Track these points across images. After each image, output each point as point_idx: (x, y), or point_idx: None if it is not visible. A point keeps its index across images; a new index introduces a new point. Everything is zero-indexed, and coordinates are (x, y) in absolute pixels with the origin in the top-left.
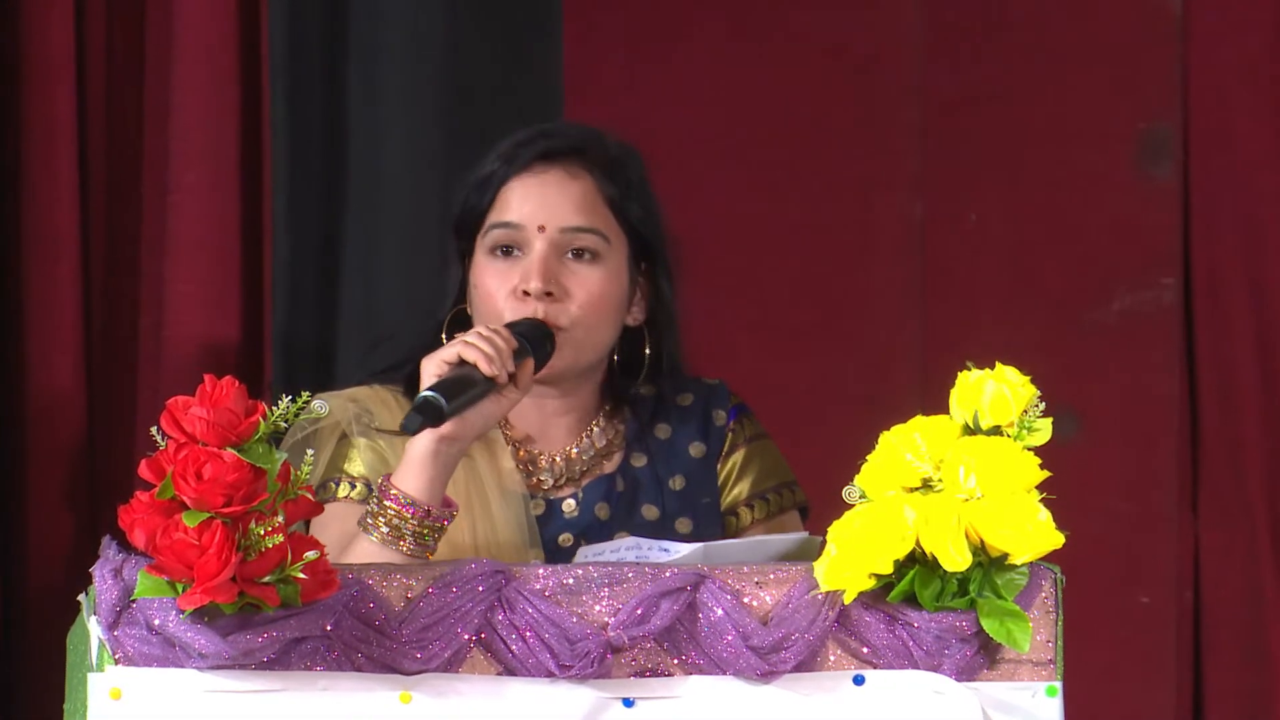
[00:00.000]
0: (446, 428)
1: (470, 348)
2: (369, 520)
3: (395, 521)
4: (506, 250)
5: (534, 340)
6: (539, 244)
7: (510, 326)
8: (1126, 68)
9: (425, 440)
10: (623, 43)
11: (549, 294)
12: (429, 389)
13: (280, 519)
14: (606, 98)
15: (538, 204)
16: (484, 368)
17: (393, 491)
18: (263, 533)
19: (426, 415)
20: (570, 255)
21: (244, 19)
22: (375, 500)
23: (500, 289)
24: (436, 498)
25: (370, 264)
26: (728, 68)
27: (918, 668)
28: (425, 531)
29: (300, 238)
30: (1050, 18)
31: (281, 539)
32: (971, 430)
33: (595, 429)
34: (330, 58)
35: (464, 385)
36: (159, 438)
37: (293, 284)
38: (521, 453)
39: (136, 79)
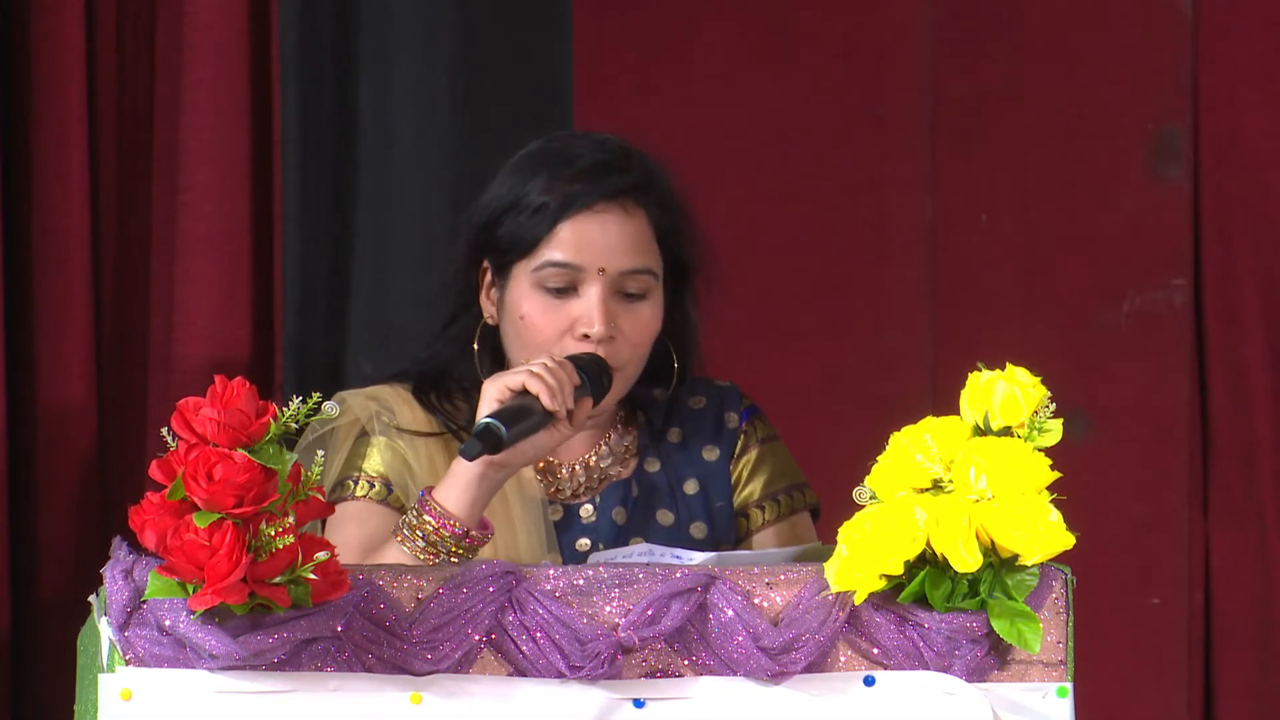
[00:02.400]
0: (499, 455)
1: (536, 379)
2: (405, 532)
3: (433, 538)
4: (560, 290)
5: (593, 377)
6: (596, 286)
7: (573, 360)
8: (1138, 68)
9: (475, 462)
10: (633, 44)
11: (611, 338)
12: (491, 416)
13: (291, 520)
14: (617, 99)
15: (596, 247)
16: (546, 401)
17: (434, 508)
18: (273, 533)
19: (486, 443)
20: (622, 295)
21: (255, 19)
22: (414, 513)
23: (552, 325)
24: (475, 519)
25: (381, 264)
26: (738, 68)
27: (928, 669)
28: (461, 551)
29: (311, 238)
30: (1061, 19)
31: (292, 540)
32: (982, 431)
33: (613, 436)
34: (341, 58)
35: (523, 415)
36: (169, 439)
37: (304, 284)
38: (541, 462)
39: (147, 79)
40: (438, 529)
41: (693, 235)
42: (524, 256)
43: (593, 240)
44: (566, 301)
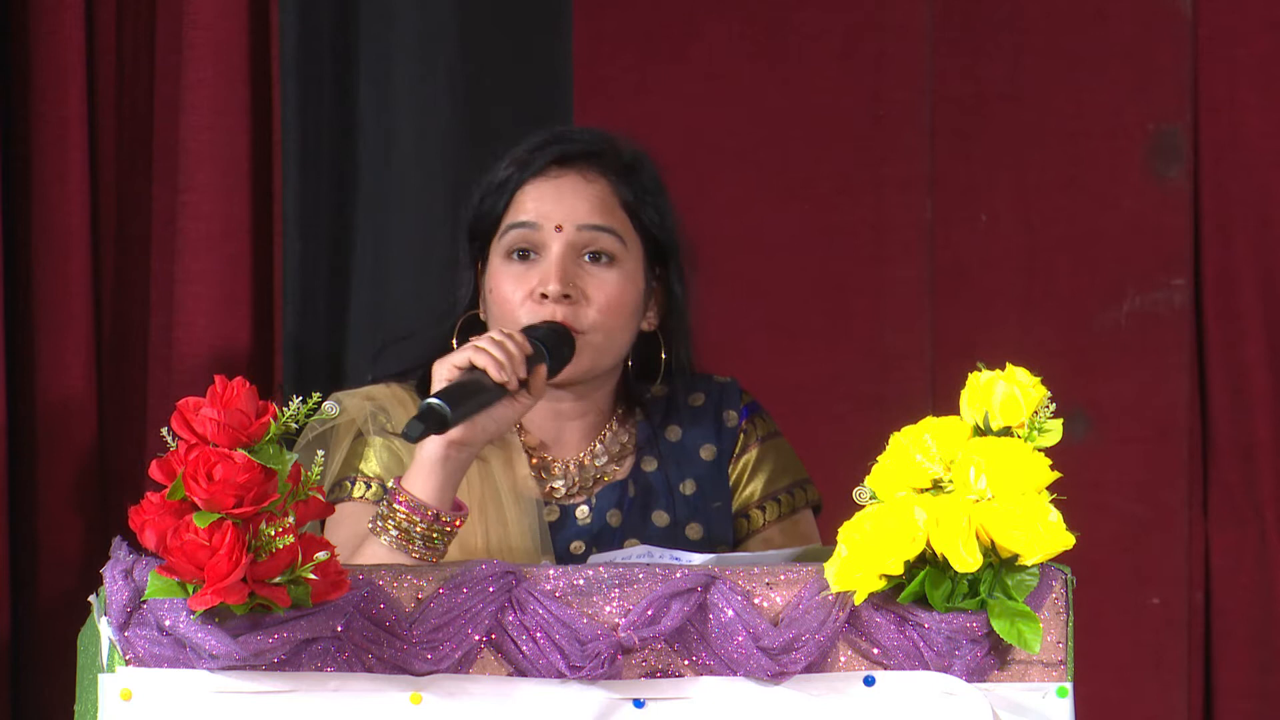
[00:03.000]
0: (456, 433)
1: (481, 353)
2: (379, 523)
3: (405, 525)
4: (523, 254)
5: (551, 345)
6: (556, 245)
7: (527, 331)
8: (1137, 69)
9: (435, 445)
10: (633, 44)
11: (567, 296)
12: (434, 395)
13: (291, 520)
14: (616, 99)
15: (554, 204)
16: (493, 373)
17: (402, 495)
18: (273, 533)
19: (429, 422)
20: (587, 258)
21: (255, 19)
22: (385, 503)
23: (516, 292)
24: (446, 502)
25: (381, 264)
26: (738, 68)
27: (928, 669)
28: (435, 535)
29: (311, 238)
30: (1061, 19)
31: (292, 540)
32: (982, 431)
33: (608, 434)
34: (341, 58)
35: (472, 391)
36: (169, 439)
37: (303, 284)
38: (535, 459)
39: (147, 79)
40: (409, 516)
41: (667, 215)
42: (494, 233)
43: (549, 199)
44: (530, 267)
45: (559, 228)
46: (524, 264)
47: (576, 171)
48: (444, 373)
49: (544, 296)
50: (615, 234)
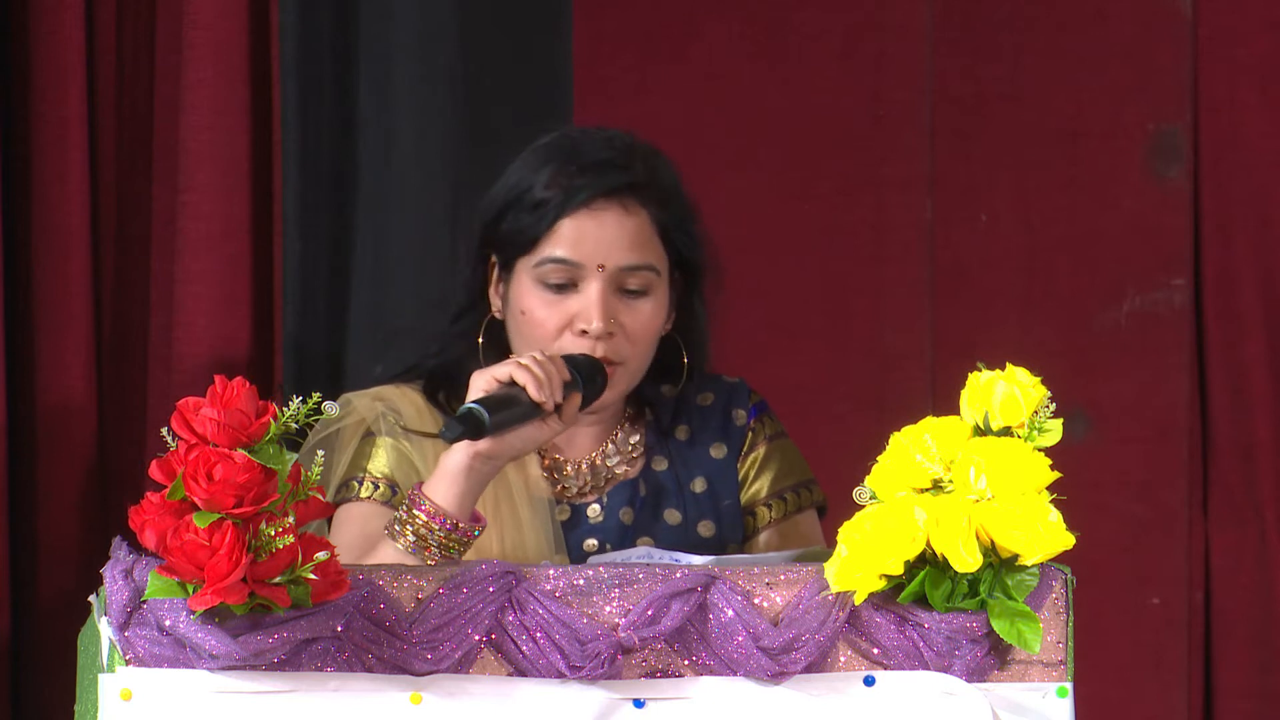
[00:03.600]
0: (484, 444)
1: (523, 370)
2: (396, 527)
3: (423, 531)
4: (560, 286)
5: (586, 375)
6: (596, 283)
7: (567, 359)
8: (1137, 69)
9: (461, 454)
10: (633, 43)
11: (610, 334)
12: (475, 401)
13: (291, 520)
14: (616, 99)
15: (595, 242)
16: (533, 392)
17: (424, 502)
18: (273, 533)
19: (467, 426)
20: (623, 292)
21: (255, 19)
22: (405, 508)
23: (551, 320)
24: (466, 512)
25: (381, 264)
26: (738, 68)
27: (928, 669)
28: (452, 544)
29: (311, 238)
30: (1061, 19)
31: (292, 540)
32: (982, 431)
33: (619, 434)
34: (341, 57)
35: (509, 405)
36: (169, 439)
37: (303, 284)
38: (547, 460)
39: (147, 78)
40: (427, 523)
41: (697, 233)
42: (525, 252)
43: (592, 237)
44: (566, 298)
45: (601, 267)
46: (560, 294)
47: (619, 204)
48: (483, 383)
49: (584, 332)
50: (652, 269)
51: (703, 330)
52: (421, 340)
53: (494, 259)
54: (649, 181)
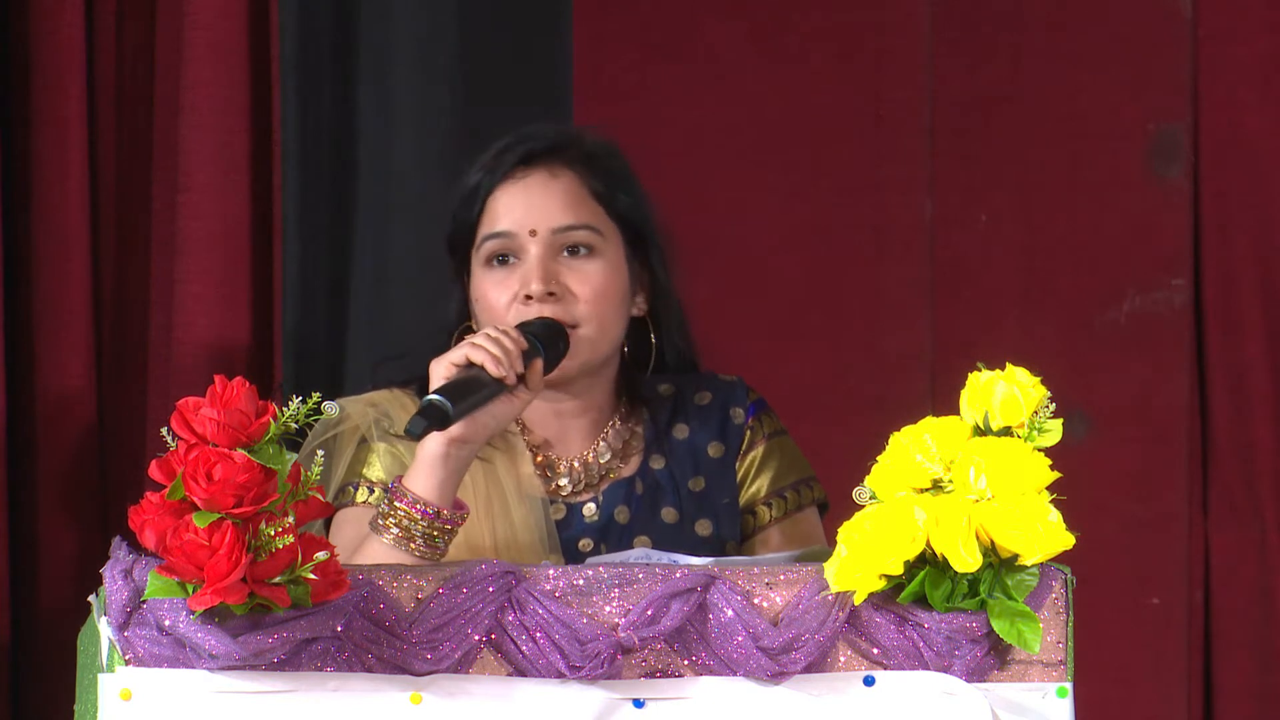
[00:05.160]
0: (456, 430)
1: (478, 349)
2: (380, 521)
3: (405, 523)
4: (502, 259)
5: (546, 339)
6: (533, 248)
7: (521, 327)
8: (1138, 69)
9: (435, 442)
10: (633, 44)
11: (551, 294)
12: (434, 392)
13: (290, 520)
14: (617, 99)
15: (524, 209)
16: (491, 369)
17: (403, 493)
18: (273, 533)
19: (431, 419)
20: (566, 253)
21: (254, 19)
22: (386, 501)
23: (501, 298)
24: (447, 500)
25: (380, 264)
26: (738, 68)
27: (928, 669)
28: (435, 534)
29: (310, 238)
30: (1061, 19)
31: (292, 540)
32: (982, 431)
33: (611, 431)
34: (341, 57)
35: (472, 387)
36: (169, 438)
37: (303, 284)
38: (540, 458)
39: (147, 78)
40: (409, 513)
41: (640, 200)
42: (472, 243)
43: (521, 204)
44: (511, 271)
45: (533, 232)
46: (505, 269)
47: (542, 169)
48: (442, 370)
49: (528, 298)
50: (590, 228)
51: (672, 304)
52: (417, 357)
53: (461, 268)
54: (569, 144)
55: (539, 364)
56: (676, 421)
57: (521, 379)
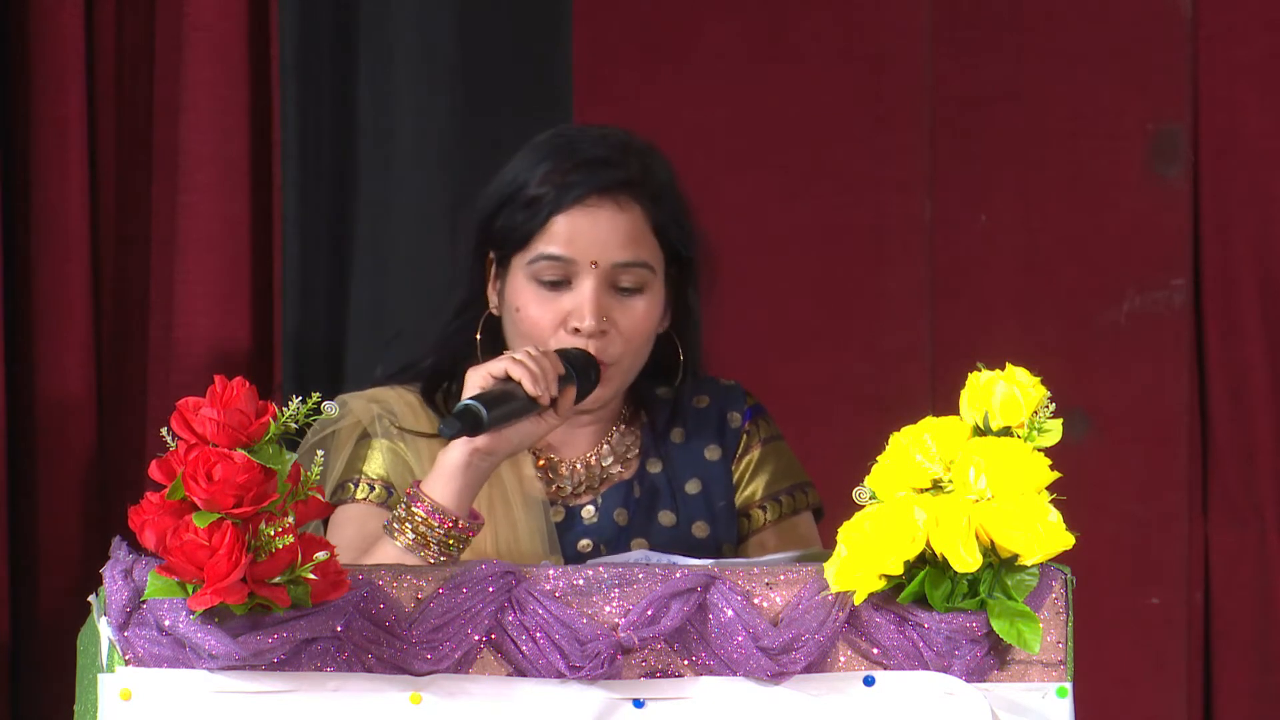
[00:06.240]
0: (482, 440)
1: (518, 365)
2: (395, 525)
3: (422, 529)
4: (555, 283)
5: (580, 370)
6: (589, 280)
7: (561, 353)
8: (1137, 68)
9: (458, 451)
10: (632, 45)
11: (603, 332)
12: (472, 398)
13: (290, 520)
14: (617, 99)
15: (589, 240)
16: (529, 386)
17: (423, 499)
18: (273, 533)
19: (465, 423)
20: (618, 290)
21: (255, 19)
22: (403, 506)
23: (545, 317)
24: (464, 509)
25: (380, 263)
26: (739, 68)
27: (928, 669)
28: (451, 542)
29: (311, 238)
30: (1061, 19)
31: (292, 540)
32: (982, 431)
33: (614, 435)
34: (341, 57)
35: (506, 400)
36: (169, 439)
37: (303, 284)
38: (542, 460)
39: (146, 78)
40: (426, 519)
41: (692, 230)
42: (520, 249)
43: (585, 234)
44: (560, 295)
45: (594, 264)
46: (554, 291)
47: (613, 200)
48: (478, 380)
49: (576, 330)
50: (646, 265)
51: (697, 329)
52: (419, 341)
53: (491, 255)
54: (643, 178)
55: (571, 392)
56: (674, 425)
57: (553, 403)
